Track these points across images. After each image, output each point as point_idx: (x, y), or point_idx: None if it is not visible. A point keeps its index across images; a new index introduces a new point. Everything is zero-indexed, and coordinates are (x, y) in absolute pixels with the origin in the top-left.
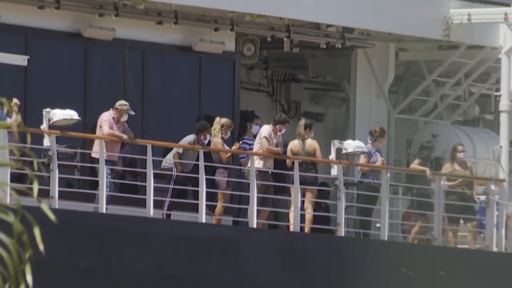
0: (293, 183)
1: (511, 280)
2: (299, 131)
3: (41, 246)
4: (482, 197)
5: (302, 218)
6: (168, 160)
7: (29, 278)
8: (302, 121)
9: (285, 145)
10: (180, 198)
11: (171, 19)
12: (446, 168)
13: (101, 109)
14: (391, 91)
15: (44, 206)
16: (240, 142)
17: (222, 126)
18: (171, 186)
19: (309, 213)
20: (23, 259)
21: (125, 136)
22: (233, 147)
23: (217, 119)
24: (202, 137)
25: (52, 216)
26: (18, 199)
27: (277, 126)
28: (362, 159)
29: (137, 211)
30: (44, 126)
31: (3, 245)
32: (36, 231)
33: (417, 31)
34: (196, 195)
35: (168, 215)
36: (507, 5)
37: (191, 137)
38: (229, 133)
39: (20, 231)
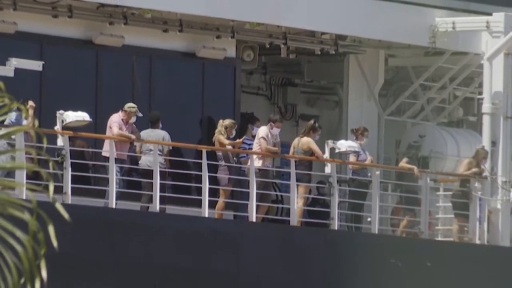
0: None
1: (493, 270)
2: (305, 129)
3: (55, 243)
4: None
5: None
6: (147, 162)
7: (44, 273)
8: (311, 122)
9: (283, 145)
10: (182, 193)
11: (176, 27)
12: (470, 162)
13: (111, 111)
14: (381, 94)
15: (59, 206)
16: (244, 139)
17: (226, 127)
18: (161, 182)
19: (299, 207)
20: (38, 255)
21: (133, 136)
22: (238, 140)
23: (221, 121)
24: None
25: (65, 215)
26: (34, 199)
27: (269, 124)
28: (352, 158)
29: (144, 206)
30: (57, 127)
31: (19, 241)
32: (51, 229)
33: (405, 38)
34: (197, 190)
35: (164, 209)
36: (489, 14)
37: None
38: (233, 132)
39: (36, 229)
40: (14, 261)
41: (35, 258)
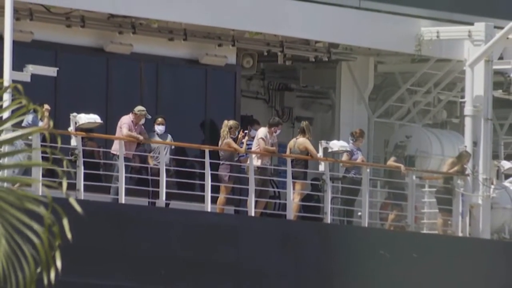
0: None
1: (474, 261)
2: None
3: (69, 235)
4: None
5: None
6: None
7: (58, 263)
8: (303, 124)
9: (280, 145)
10: (187, 190)
11: (180, 36)
12: (453, 162)
13: (120, 113)
14: (370, 98)
15: (72, 200)
16: (245, 133)
17: (230, 128)
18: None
19: (295, 203)
20: (54, 246)
21: (141, 137)
22: (240, 135)
23: (225, 122)
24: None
25: (79, 209)
26: (49, 194)
27: (272, 128)
28: (345, 157)
29: (151, 201)
30: (71, 128)
31: (36, 233)
32: (65, 222)
33: (393, 46)
34: (200, 187)
35: (167, 204)
36: (471, 24)
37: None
38: (236, 133)
39: (50, 222)
40: (31, 252)
41: (51, 249)
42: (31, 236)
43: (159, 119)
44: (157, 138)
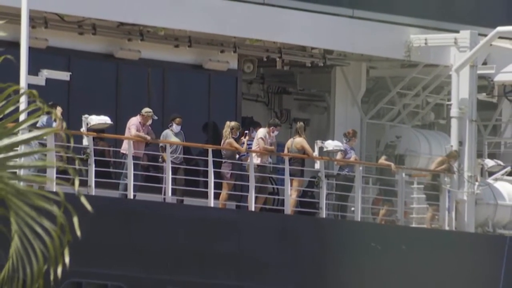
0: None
1: (459, 253)
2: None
3: (78, 233)
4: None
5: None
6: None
7: (67, 259)
8: (297, 125)
9: (278, 145)
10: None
11: (185, 43)
12: (441, 161)
13: (129, 115)
14: (363, 101)
15: (83, 199)
16: (246, 134)
17: (232, 128)
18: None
19: (293, 198)
20: (63, 243)
21: (148, 137)
22: (242, 137)
23: (227, 123)
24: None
25: (89, 207)
26: (62, 193)
27: (271, 128)
28: (339, 155)
29: (157, 197)
30: (83, 129)
31: (47, 231)
32: (75, 220)
33: (384, 52)
34: (204, 183)
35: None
36: (457, 31)
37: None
38: (237, 133)
39: (63, 221)
40: (41, 248)
41: (61, 246)
42: (42, 234)
43: (177, 119)
44: (173, 137)
